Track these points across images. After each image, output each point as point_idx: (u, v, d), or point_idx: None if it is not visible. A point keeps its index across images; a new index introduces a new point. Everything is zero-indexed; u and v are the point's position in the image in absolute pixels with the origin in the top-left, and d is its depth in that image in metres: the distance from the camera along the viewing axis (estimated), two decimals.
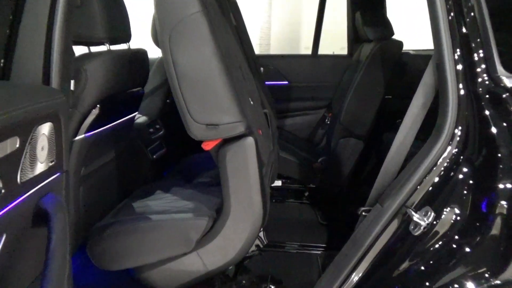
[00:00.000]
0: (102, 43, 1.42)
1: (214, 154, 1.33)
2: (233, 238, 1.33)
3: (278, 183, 2.41)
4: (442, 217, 0.98)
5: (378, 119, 2.34)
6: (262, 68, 2.78)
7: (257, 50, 5.69)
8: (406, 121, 1.21)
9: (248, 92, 1.50)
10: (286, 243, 1.90)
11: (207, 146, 1.29)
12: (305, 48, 2.98)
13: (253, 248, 1.60)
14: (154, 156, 2.02)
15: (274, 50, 5.28)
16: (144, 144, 1.98)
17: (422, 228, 0.98)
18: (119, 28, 1.46)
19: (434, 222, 0.97)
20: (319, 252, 1.85)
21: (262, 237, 1.64)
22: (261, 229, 1.51)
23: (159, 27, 1.17)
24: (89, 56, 1.35)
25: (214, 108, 1.21)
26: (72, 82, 1.19)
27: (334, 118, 2.63)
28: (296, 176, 2.35)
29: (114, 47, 1.47)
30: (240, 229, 1.33)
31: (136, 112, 1.78)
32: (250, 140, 1.28)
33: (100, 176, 1.55)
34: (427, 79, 1.16)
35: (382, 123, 2.39)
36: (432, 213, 0.98)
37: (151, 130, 2.05)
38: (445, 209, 0.98)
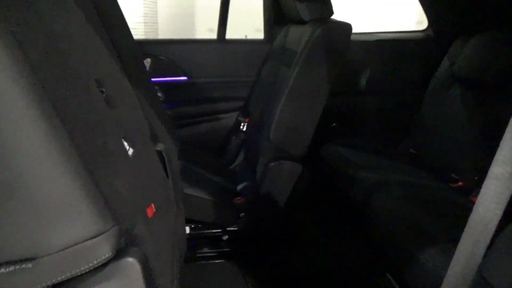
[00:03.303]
0: None
1: None
2: None
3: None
4: None
5: None
6: (148, 60, 1.96)
7: (141, 33, 4.59)
8: (480, 209, 0.58)
9: (120, 130, 0.73)
10: None
11: None
12: (209, 31, 2.23)
13: None
14: None
15: (163, 32, 4.27)
16: None
17: None
18: None
19: None
20: None
21: None
22: None
23: None
24: None
25: (15, 214, 0.43)
26: None
27: (254, 126, 1.96)
28: (211, 219, 1.63)
29: None
30: None
31: None
32: (129, 265, 0.53)
33: None
34: None
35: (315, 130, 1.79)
36: None
37: None
38: None
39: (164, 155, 1.01)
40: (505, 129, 1.77)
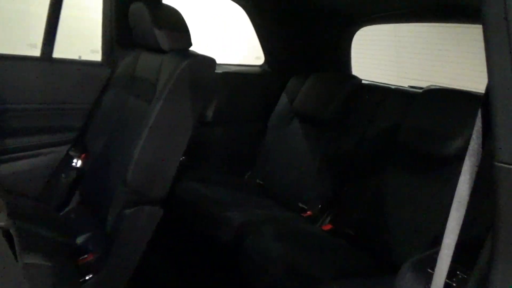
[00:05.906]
0: None
1: None
2: None
3: None
4: None
5: None
6: None
7: None
8: None
9: None
10: None
11: None
12: (30, 46, 1.78)
13: None
14: None
15: None
16: None
17: None
18: None
19: None
20: None
21: None
22: None
23: None
24: None
25: None
26: None
27: (97, 164, 1.66)
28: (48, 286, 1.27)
29: None
30: None
31: None
32: None
33: None
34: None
35: None
36: None
37: None
38: None
39: (13, 235, 0.71)
40: (343, 160, 1.94)
